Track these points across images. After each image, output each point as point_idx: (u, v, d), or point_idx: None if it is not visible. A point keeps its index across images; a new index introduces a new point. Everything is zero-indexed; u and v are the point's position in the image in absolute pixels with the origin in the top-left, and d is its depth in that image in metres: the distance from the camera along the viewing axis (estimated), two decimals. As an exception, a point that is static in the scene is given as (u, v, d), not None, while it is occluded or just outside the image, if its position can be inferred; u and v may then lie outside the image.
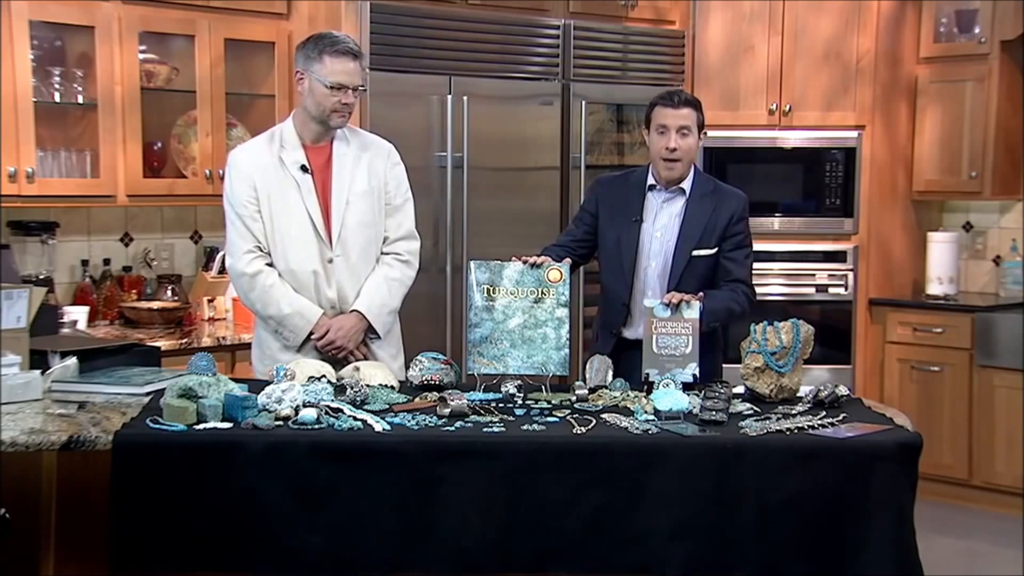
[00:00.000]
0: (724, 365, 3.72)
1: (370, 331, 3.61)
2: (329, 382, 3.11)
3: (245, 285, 3.56)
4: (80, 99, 4.41)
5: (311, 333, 3.54)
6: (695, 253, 3.62)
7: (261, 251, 3.55)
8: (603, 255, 3.75)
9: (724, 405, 2.91)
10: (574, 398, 3.11)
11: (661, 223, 3.67)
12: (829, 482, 2.74)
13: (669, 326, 3.25)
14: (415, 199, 3.78)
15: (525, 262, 3.31)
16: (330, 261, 3.56)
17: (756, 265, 5.88)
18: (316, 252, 3.55)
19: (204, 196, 4.69)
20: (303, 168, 3.55)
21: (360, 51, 3.56)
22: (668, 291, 3.46)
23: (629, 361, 3.52)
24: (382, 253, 3.66)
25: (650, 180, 3.69)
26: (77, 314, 4.42)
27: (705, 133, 3.67)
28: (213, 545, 2.68)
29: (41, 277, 4.44)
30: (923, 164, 5.96)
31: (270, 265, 3.55)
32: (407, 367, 3.46)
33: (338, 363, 3.49)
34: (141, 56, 4.49)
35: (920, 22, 5.91)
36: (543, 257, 3.37)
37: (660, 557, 2.70)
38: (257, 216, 3.54)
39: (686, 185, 3.66)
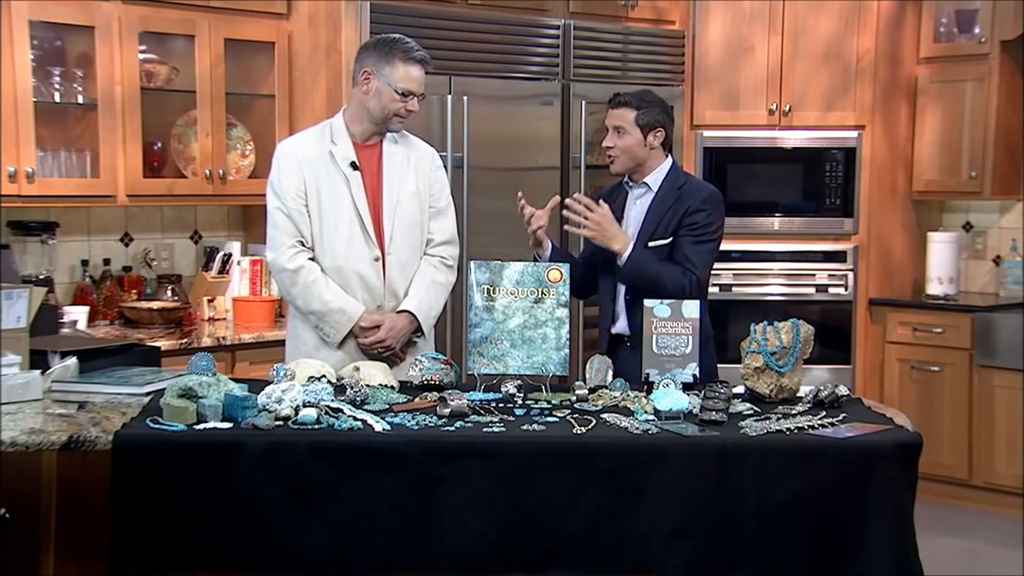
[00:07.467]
0: (724, 365, 3.71)
1: (416, 331, 3.61)
2: (329, 382, 3.11)
3: (287, 280, 3.53)
4: (80, 99, 4.41)
5: (353, 330, 3.52)
6: (650, 244, 3.62)
7: (303, 246, 3.52)
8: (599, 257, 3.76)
9: (724, 405, 2.91)
10: (574, 398, 3.11)
11: (633, 218, 3.70)
12: (829, 482, 2.73)
13: (669, 326, 3.25)
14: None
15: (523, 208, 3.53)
16: (376, 259, 3.55)
17: (756, 265, 5.88)
18: (363, 250, 3.54)
19: (204, 196, 4.70)
20: (353, 165, 3.54)
21: (429, 59, 3.55)
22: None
23: (619, 358, 3.52)
24: (426, 254, 3.66)
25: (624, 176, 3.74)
26: (77, 314, 4.42)
27: (662, 132, 3.64)
28: (213, 545, 2.68)
29: (41, 277, 4.43)
30: (923, 164, 5.96)
31: (312, 260, 3.53)
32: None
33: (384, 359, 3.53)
34: (141, 56, 4.49)
35: (920, 22, 5.91)
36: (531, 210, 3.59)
37: (660, 557, 2.70)
38: (304, 210, 3.51)
39: (653, 182, 3.67)
